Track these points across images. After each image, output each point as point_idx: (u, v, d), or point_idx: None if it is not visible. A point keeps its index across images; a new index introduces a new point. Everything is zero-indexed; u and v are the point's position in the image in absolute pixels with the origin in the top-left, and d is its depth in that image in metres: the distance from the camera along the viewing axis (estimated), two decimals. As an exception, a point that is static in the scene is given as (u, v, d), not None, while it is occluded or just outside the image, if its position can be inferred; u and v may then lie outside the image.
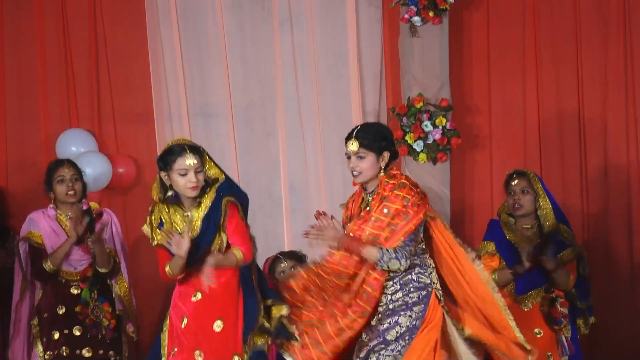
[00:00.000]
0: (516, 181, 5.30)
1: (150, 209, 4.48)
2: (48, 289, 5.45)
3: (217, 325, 4.40)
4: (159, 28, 6.83)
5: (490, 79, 6.76)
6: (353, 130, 4.53)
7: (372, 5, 6.78)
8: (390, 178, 4.46)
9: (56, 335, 5.36)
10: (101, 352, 5.40)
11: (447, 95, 6.49)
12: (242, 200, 4.50)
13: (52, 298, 5.42)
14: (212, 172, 4.46)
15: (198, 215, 4.40)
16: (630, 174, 6.58)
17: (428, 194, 6.06)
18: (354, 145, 4.45)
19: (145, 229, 4.45)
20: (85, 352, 5.37)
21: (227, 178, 4.50)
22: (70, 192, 5.43)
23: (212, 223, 4.37)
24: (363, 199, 4.55)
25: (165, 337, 4.52)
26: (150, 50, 6.82)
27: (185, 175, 4.35)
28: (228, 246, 4.43)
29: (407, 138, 6.39)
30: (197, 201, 4.42)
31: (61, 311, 5.39)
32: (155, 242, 4.42)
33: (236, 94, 6.85)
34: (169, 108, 6.83)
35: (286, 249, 6.54)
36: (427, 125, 6.36)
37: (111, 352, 5.44)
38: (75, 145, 6.61)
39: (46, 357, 5.35)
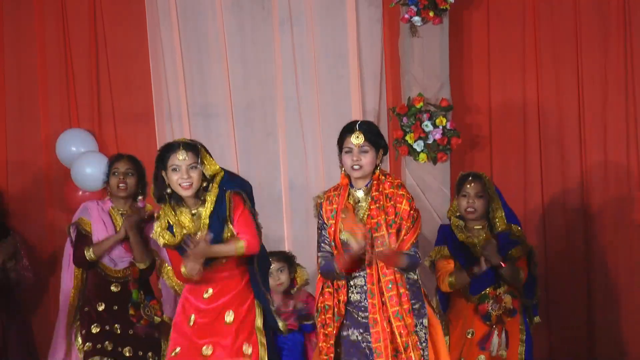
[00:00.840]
0: (472, 184, 5.24)
1: (156, 215, 4.48)
2: (89, 284, 5.46)
3: (228, 315, 4.41)
4: (159, 28, 6.83)
5: (490, 78, 6.76)
6: (353, 124, 4.52)
7: (372, 5, 6.77)
8: (384, 176, 4.49)
9: (96, 329, 5.37)
10: (141, 353, 5.39)
11: (447, 95, 6.49)
12: (245, 189, 4.49)
13: (93, 294, 5.43)
14: (213, 169, 4.45)
15: (205, 213, 4.40)
16: (630, 173, 6.58)
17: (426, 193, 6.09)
18: (359, 139, 4.44)
19: (154, 235, 4.45)
20: (127, 352, 5.36)
21: (227, 172, 4.50)
22: (121, 186, 5.42)
23: (218, 218, 4.37)
24: (350, 194, 4.53)
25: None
26: (150, 50, 6.83)
27: (177, 171, 4.35)
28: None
29: (407, 138, 6.39)
30: (201, 199, 4.42)
31: (100, 308, 5.40)
32: (163, 242, 4.42)
33: (236, 94, 6.85)
34: (169, 108, 6.84)
35: (286, 249, 6.55)
36: (428, 125, 6.36)
37: (150, 354, 5.43)
38: (75, 145, 6.61)
39: (85, 348, 5.35)
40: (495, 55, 6.75)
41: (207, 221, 4.38)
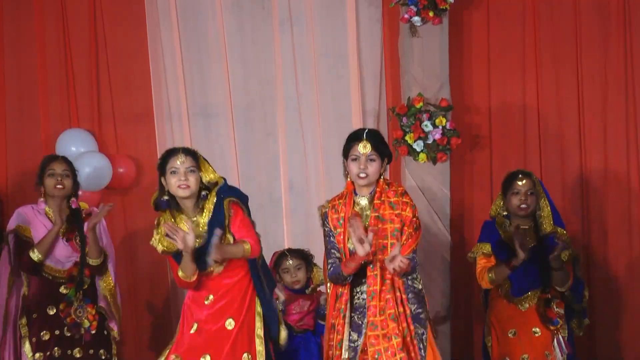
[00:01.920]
0: (524, 181, 5.30)
1: (155, 222, 4.51)
2: (36, 288, 5.43)
3: (229, 324, 4.44)
4: (159, 28, 6.83)
5: (490, 79, 6.75)
6: (361, 132, 4.57)
7: (372, 5, 6.77)
8: (387, 185, 4.54)
9: (46, 336, 5.37)
10: (91, 351, 5.41)
11: (447, 95, 6.49)
12: (243, 199, 4.54)
13: (41, 297, 5.41)
14: (211, 177, 4.50)
15: (203, 220, 4.44)
16: (630, 174, 6.58)
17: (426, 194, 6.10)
18: (366, 148, 4.48)
19: (153, 242, 4.46)
20: (77, 352, 5.38)
21: (226, 182, 4.54)
22: (59, 186, 5.43)
23: (216, 225, 4.39)
24: (354, 202, 4.56)
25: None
26: (150, 50, 6.82)
27: (175, 173, 4.42)
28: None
29: (407, 138, 6.39)
30: (199, 207, 4.46)
31: (52, 312, 5.39)
32: (161, 249, 4.43)
33: (236, 94, 6.85)
34: (169, 108, 6.83)
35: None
36: (427, 125, 6.36)
37: (101, 351, 5.45)
38: (75, 145, 6.61)
39: (36, 357, 5.35)
40: (495, 55, 6.75)
41: (205, 228, 4.42)
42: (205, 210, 4.45)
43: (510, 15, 6.74)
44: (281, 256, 5.49)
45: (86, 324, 5.38)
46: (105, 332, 5.50)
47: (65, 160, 5.55)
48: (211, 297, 4.47)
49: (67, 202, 5.48)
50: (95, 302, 5.46)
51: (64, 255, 5.41)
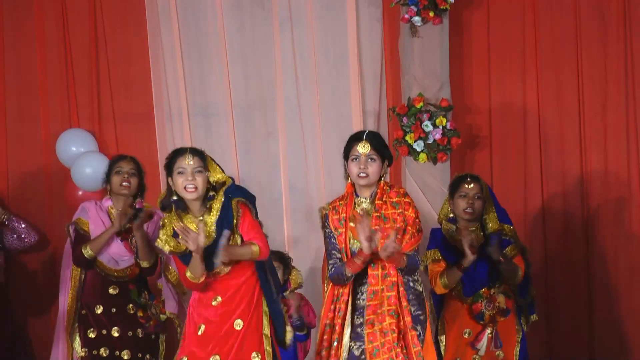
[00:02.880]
0: (471, 185, 5.23)
1: (161, 223, 4.48)
2: (87, 286, 5.46)
3: (237, 324, 4.42)
4: (159, 28, 6.83)
5: (490, 79, 6.76)
6: (361, 133, 4.58)
7: (372, 5, 6.77)
8: (389, 186, 4.55)
9: (92, 334, 5.38)
10: (140, 355, 5.41)
11: (447, 95, 6.49)
12: (251, 199, 4.52)
13: (91, 296, 5.43)
14: (218, 177, 4.47)
15: (211, 220, 4.41)
16: (630, 173, 6.58)
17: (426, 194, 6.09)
18: (365, 148, 4.50)
19: (160, 243, 4.44)
20: (124, 355, 5.38)
21: (234, 182, 4.53)
22: (125, 184, 5.43)
23: (225, 225, 4.37)
24: (356, 203, 4.57)
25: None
26: (150, 50, 6.82)
27: (183, 173, 4.38)
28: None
29: (407, 138, 6.39)
30: (207, 206, 4.44)
31: (99, 311, 5.41)
32: (168, 250, 4.42)
33: (236, 94, 6.85)
34: (169, 108, 6.83)
35: (286, 249, 6.54)
36: (428, 125, 6.36)
37: (148, 356, 5.45)
38: (75, 145, 6.61)
39: (82, 353, 5.36)
40: (495, 55, 6.75)
41: (212, 228, 4.39)
42: (213, 210, 4.41)
43: (510, 15, 6.75)
44: None
45: (163, 317, 5.44)
46: (153, 337, 5.49)
47: (133, 159, 5.55)
48: (219, 298, 4.44)
49: (132, 202, 5.47)
50: (154, 296, 5.48)
51: (117, 254, 5.42)
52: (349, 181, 4.59)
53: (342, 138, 4.73)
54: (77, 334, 5.41)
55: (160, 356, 5.51)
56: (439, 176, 6.45)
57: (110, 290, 5.42)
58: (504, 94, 6.75)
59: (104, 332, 5.38)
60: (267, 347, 4.43)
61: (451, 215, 5.30)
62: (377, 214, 4.49)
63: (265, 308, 4.48)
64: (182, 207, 4.44)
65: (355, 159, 4.51)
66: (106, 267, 5.41)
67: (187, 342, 4.48)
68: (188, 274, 4.37)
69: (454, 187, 5.29)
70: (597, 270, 6.56)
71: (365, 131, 4.62)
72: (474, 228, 5.25)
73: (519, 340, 5.20)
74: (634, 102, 6.60)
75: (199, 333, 4.44)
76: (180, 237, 4.29)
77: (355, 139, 4.55)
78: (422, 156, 6.38)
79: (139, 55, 6.84)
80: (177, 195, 4.42)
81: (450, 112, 6.45)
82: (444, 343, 5.22)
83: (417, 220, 4.52)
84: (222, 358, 4.38)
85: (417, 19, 6.39)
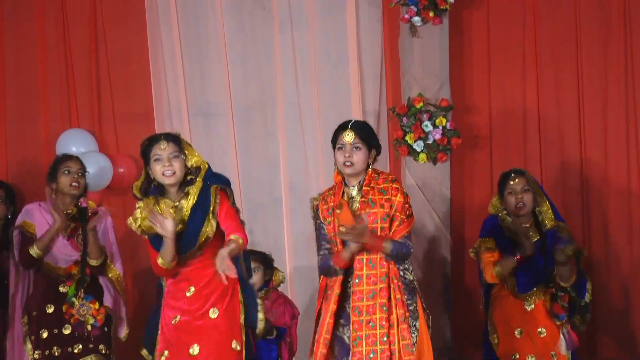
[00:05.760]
0: (516, 180, 5.31)
1: (137, 206, 4.49)
2: (36, 286, 5.46)
3: (213, 312, 4.42)
4: (159, 28, 6.84)
5: (490, 79, 6.75)
6: (346, 123, 4.60)
7: (372, 5, 6.77)
8: (377, 174, 4.56)
9: (45, 335, 5.37)
10: (91, 346, 5.41)
11: (447, 95, 6.49)
12: (228, 186, 4.52)
13: (40, 296, 5.43)
14: (194, 161, 4.48)
15: (187, 204, 4.43)
16: (630, 173, 6.58)
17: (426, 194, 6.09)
18: (349, 136, 4.52)
19: (130, 221, 4.46)
20: (76, 349, 5.39)
21: (209, 166, 4.53)
22: (74, 184, 5.44)
23: (200, 210, 4.40)
24: (344, 192, 4.58)
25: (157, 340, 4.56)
26: (150, 50, 6.83)
27: (159, 160, 4.40)
28: (220, 233, 4.43)
29: (407, 138, 6.39)
30: (184, 191, 4.45)
31: (50, 310, 5.40)
32: (137, 229, 4.43)
33: (236, 94, 6.85)
34: (169, 108, 6.84)
35: (286, 249, 6.56)
36: (427, 126, 6.36)
37: (101, 346, 5.45)
38: (75, 145, 6.61)
39: (35, 356, 5.36)
40: (495, 55, 6.75)
41: (188, 213, 4.41)
42: (190, 195, 4.43)
43: (510, 15, 6.75)
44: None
45: (90, 320, 5.39)
46: (106, 329, 5.50)
47: (79, 159, 5.58)
48: (192, 288, 4.45)
49: (76, 201, 5.48)
50: (99, 299, 5.47)
51: (63, 253, 5.42)
52: (336, 170, 4.61)
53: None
54: (27, 337, 5.39)
55: (112, 347, 5.51)
56: (439, 176, 6.46)
57: (61, 289, 5.41)
58: (504, 94, 6.75)
59: (56, 331, 5.38)
60: (244, 337, 4.43)
61: (504, 212, 5.34)
62: (363, 199, 4.50)
63: (241, 297, 4.48)
64: (160, 192, 4.46)
65: (341, 147, 4.54)
66: (52, 267, 5.41)
67: (164, 333, 4.49)
68: (159, 260, 4.39)
69: (501, 185, 5.38)
70: (598, 270, 6.56)
71: (351, 120, 4.63)
72: (528, 225, 5.27)
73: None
74: (634, 102, 6.59)
75: (173, 323, 4.44)
76: (150, 220, 4.33)
77: (341, 128, 4.59)
78: (422, 156, 6.38)
79: (139, 55, 6.84)
80: (157, 182, 4.44)
81: (450, 112, 6.45)
82: (496, 341, 5.24)
83: (407, 205, 4.51)
84: (202, 347, 4.38)
85: (417, 19, 6.39)
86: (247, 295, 4.52)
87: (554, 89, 6.69)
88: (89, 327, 5.38)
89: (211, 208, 4.40)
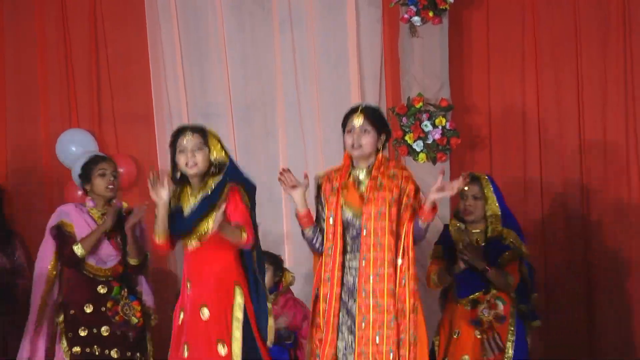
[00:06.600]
0: (470, 186, 5.17)
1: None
2: (75, 286, 5.43)
3: (203, 313, 4.45)
4: (159, 28, 6.85)
5: (490, 78, 6.76)
6: (357, 106, 4.65)
7: (372, 5, 6.78)
8: (387, 159, 4.61)
9: (83, 333, 5.35)
10: (129, 353, 5.39)
11: (447, 95, 6.49)
12: (247, 188, 4.57)
13: (79, 295, 5.40)
14: (217, 155, 4.56)
15: (201, 194, 4.51)
16: (630, 173, 6.58)
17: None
18: (358, 119, 4.57)
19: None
20: (114, 353, 5.36)
21: (232, 161, 4.60)
22: (111, 186, 5.42)
23: (207, 202, 4.47)
24: (350, 174, 4.60)
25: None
26: (150, 50, 6.84)
27: (183, 152, 4.51)
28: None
29: (406, 138, 6.39)
30: (204, 182, 4.53)
31: (89, 310, 5.38)
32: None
33: (236, 94, 6.86)
34: (169, 108, 6.85)
35: (286, 249, 6.56)
36: (427, 125, 6.36)
37: (138, 354, 5.43)
38: (75, 145, 6.62)
39: (74, 350, 5.33)
40: (495, 55, 6.76)
41: (196, 200, 4.50)
42: (207, 187, 4.52)
43: (510, 15, 6.75)
44: None
45: (134, 320, 5.39)
46: (141, 335, 5.47)
47: (112, 160, 5.56)
48: (188, 284, 4.51)
49: (110, 202, 5.46)
50: (138, 298, 5.47)
51: (106, 254, 5.39)
52: (346, 152, 4.64)
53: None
54: (64, 334, 5.37)
55: (149, 356, 5.50)
56: (439, 176, 6.44)
57: (100, 289, 5.40)
58: (503, 94, 6.76)
59: (95, 330, 5.37)
60: (236, 333, 4.43)
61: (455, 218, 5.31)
62: (373, 182, 4.51)
63: (239, 299, 4.47)
64: (187, 181, 4.58)
65: (350, 130, 4.57)
66: (93, 267, 5.39)
67: (173, 333, 4.56)
68: (154, 234, 4.51)
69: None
70: (597, 270, 6.56)
71: (360, 104, 4.68)
72: (479, 231, 5.24)
73: (512, 341, 5.16)
74: (634, 102, 6.59)
75: (179, 322, 4.53)
76: (150, 186, 4.45)
77: (352, 111, 4.64)
78: (422, 156, 6.38)
79: (139, 55, 6.85)
80: (181, 172, 4.56)
81: (449, 112, 6.45)
82: (437, 343, 5.21)
83: (419, 194, 4.56)
84: (190, 347, 4.41)
85: (416, 19, 6.39)
86: (258, 304, 4.54)
87: (553, 89, 6.69)
88: (132, 327, 5.39)
89: (217, 201, 4.45)
